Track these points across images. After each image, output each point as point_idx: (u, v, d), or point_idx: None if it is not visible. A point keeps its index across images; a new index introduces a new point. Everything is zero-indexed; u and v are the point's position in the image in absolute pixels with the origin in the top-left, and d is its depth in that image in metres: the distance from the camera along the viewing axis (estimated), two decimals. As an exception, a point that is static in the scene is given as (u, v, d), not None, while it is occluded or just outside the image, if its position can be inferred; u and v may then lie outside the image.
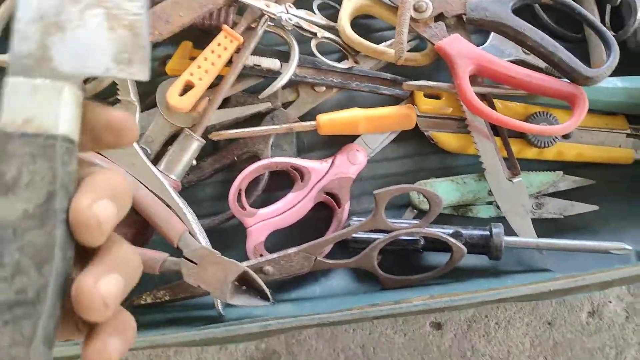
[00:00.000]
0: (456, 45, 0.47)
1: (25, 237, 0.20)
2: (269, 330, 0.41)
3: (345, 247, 0.49)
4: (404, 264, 0.50)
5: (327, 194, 0.50)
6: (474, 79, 0.48)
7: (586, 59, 0.52)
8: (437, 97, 0.51)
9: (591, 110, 0.49)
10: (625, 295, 0.53)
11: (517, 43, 0.49)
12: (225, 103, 0.51)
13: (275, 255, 0.47)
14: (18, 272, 0.20)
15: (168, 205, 0.45)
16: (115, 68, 0.23)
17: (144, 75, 0.23)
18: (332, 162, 0.50)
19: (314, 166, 0.50)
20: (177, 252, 0.43)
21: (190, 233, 0.44)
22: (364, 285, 0.50)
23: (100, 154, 0.46)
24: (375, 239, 0.47)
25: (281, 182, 0.51)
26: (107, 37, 0.22)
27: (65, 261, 0.21)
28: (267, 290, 0.43)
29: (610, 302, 0.53)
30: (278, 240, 0.50)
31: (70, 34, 0.22)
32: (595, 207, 0.51)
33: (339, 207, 0.50)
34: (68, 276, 0.22)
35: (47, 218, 0.21)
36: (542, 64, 0.51)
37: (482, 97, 0.49)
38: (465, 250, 0.47)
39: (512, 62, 0.50)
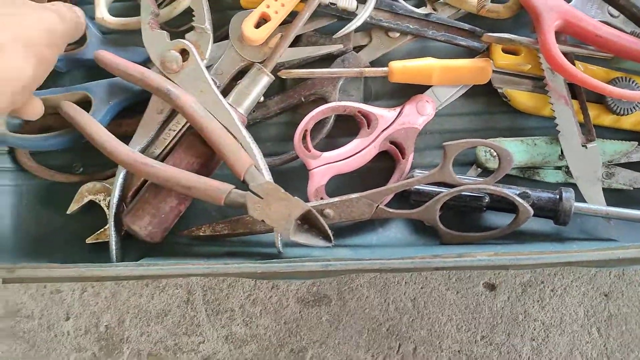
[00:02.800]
0: (543, -3, 0.45)
1: None
2: (329, 271, 0.41)
3: (405, 200, 0.48)
4: (464, 222, 0.49)
5: (392, 143, 0.49)
6: (557, 37, 0.46)
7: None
8: (514, 53, 0.49)
9: (677, 81, 0.46)
10: (688, 275, 0.51)
11: (606, 1, 0.47)
12: (297, 41, 0.49)
13: (337, 199, 0.46)
14: None
15: (236, 139, 0.44)
16: None
17: None
18: (400, 111, 0.49)
19: (382, 113, 0.48)
20: (242, 186, 0.43)
21: (256, 167, 0.43)
22: (421, 238, 0.49)
23: (170, 80, 0.45)
24: (439, 192, 0.46)
25: (345, 128, 0.51)
26: None
27: None
28: (329, 231, 0.42)
29: (671, 280, 0.51)
30: (338, 185, 0.49)
31: None
32: (667, 182, 0.49)
33: (403, 158, 0.49)
34: None
35: None
36: (627, 28, 0.49)
37: (564, 56, 0.47)
38: (532, 211, 0.46)
39: (598, 22, 0.48)
